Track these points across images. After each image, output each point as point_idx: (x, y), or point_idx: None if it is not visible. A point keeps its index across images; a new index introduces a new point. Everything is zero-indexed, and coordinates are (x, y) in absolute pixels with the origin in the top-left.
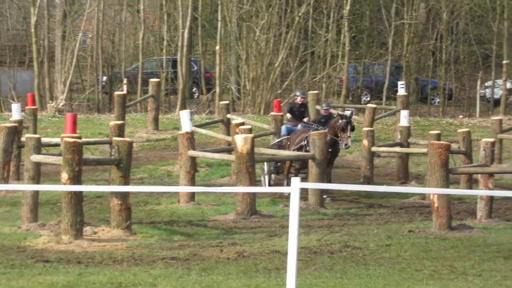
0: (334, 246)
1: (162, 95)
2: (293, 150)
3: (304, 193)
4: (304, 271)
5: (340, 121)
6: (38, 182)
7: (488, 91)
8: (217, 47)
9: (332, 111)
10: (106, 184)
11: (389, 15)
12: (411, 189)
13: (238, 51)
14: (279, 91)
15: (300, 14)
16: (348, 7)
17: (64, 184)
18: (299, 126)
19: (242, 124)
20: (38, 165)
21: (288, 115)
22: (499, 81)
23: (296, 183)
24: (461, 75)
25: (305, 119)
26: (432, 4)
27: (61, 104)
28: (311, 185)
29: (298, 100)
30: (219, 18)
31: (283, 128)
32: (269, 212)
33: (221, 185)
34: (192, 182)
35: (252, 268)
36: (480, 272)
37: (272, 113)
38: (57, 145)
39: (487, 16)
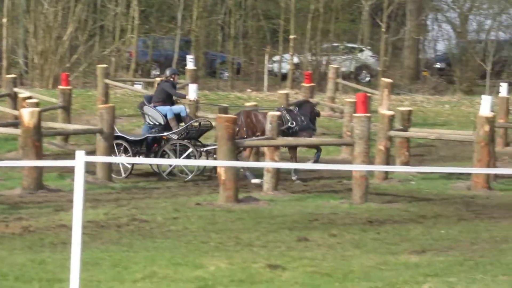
0: (122, 220)
1: None
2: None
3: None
4: (91, 245)
5: (315, 108)
6: None
7: (275, 65)
8: (4, 20)
9: None
10: None
11: None
12: (200, 162)
13: (25, 24)
14: (68, 65)
15: None
16: None
17: None
18: (180, 107)
19: (29, 98)
20: None
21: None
22: (287, 56)
23: (80, 156)
24: (249, 50)
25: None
26: None
27: None
28: (98, 159)
29: (176, 78)
30: None
31: (179, 108)
32: (57, 186)
33: (7, 160)
34: None
35: (38, 243)
36: (265, 243)
37: (60, 87)
38: None
39: None
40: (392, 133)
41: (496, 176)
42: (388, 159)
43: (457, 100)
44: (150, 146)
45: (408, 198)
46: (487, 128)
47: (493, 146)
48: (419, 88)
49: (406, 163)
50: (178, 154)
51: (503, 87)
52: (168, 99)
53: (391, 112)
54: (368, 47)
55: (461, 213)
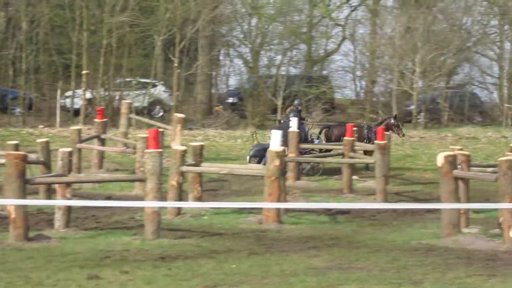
0: None
1: None
2: None
3: None
4: None
5: (392, 120)
6: None
7: (68, 101)
8: None
9: None
10: None
11: None
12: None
13: None
14: None
15: None
16: None
17: None
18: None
19: None
20: None
21: None
22: (79, 91)
23: None
24: (41, 85)
25: None
26: (12, 13)
27: None
28: None
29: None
30: None
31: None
32: None
33: None
34: None
35: None
36: (55, 281)
37: None
38: None
39: (67, 27)
40: (185, 168)
41: (287, 210)
42: (181, 194)
43: (249, 134)
44: None
45: (201, 233)
46: (277, 162)
47: (284, 180)
48: (211, 123)
49: (198, 198)
50: None
51: (293, 121)
52: None
53: (183, 147)
54: (161, 82)
55: (252, 247)
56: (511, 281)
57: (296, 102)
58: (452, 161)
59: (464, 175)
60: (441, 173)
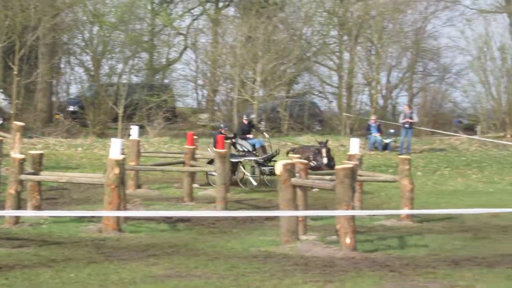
0: None
1: None
2: None
3: None
4: None
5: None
6: None
7: None
8: None
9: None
10: None
11: None
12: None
13: None
14: None
15: None
16: None
17: None
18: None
19: None
20: None
21: None
22: None
23: None
24: None
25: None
26: None
27: None
28: None
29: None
30: None
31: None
32: None
33: None
34: None
35: None
36: None
37: None
38: None
39: None
40: (23, 176)
41: (127, 218)
42: (20, 203)
43: (90, 143)
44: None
45: (39, 242)
46: (117, 170)
47: (124, 188)
48: (52, 131)
49: (37, 207)
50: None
51: (134, 130)
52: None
53: (22, 156)
54: (1, 90)
55: (91, 256)
56: (348, 287)
57: (244, 116)
58: (290, 169)
59: (302, 183)
60: (280, 181)
